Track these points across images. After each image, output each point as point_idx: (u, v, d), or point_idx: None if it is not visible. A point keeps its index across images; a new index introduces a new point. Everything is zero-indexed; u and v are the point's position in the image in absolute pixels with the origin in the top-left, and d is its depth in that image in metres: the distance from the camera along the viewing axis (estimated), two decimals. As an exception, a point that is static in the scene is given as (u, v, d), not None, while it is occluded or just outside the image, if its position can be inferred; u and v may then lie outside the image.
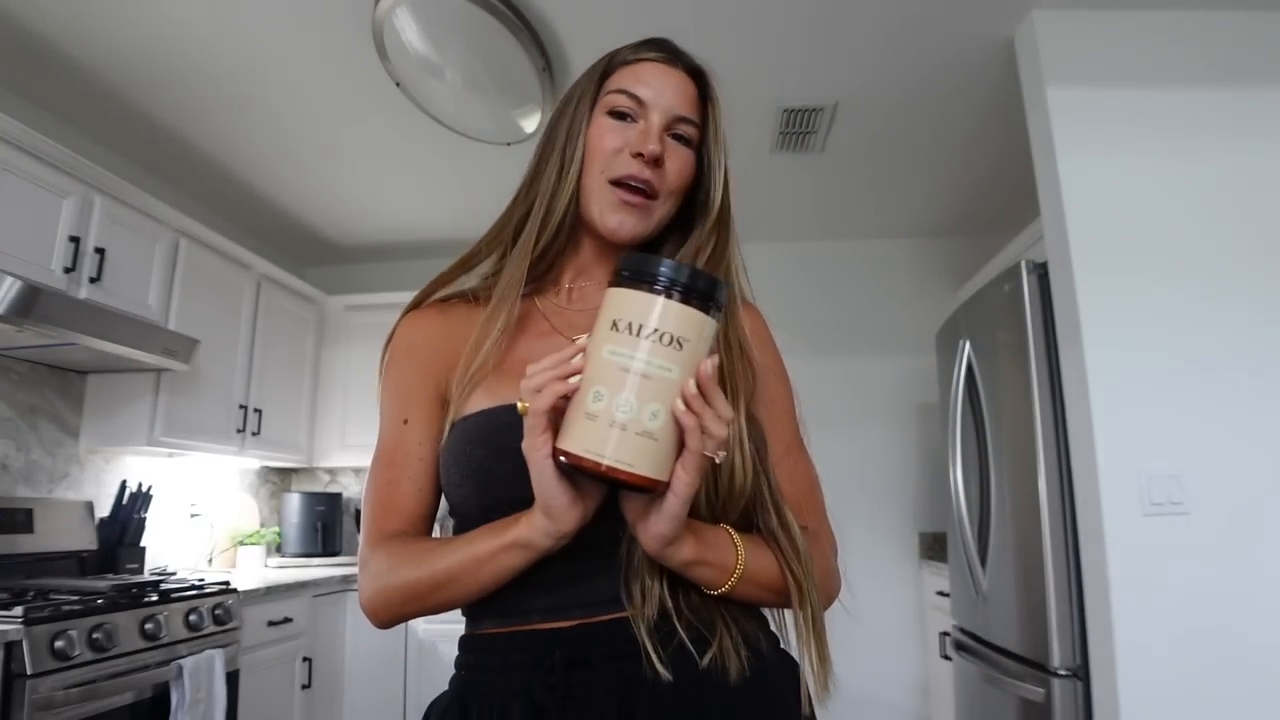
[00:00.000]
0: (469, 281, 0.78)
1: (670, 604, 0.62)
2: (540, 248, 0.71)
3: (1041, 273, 2.01)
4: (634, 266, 0.51)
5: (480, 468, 0.64)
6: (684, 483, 0.52)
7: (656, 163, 0.69)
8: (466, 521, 0.67)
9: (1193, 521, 1.71)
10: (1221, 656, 1.66)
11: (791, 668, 0.68)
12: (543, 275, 0.75)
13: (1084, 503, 1.82)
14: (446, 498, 0.71)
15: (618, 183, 0.69)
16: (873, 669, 3.24)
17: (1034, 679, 1.91)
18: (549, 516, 0.56)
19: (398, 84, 2.27)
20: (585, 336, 0.53)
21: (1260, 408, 1.76)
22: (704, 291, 0.50)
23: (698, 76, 0.74)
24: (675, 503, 0.53)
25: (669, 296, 0.49)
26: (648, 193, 0.70)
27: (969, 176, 3.02)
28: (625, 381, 0.49)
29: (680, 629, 0.61)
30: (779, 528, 0.65)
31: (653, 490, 0.52)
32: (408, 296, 0.79)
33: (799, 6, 2.02)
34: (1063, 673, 1.83)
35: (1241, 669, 1.66)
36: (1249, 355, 1.79)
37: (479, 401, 0.68)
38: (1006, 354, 2.12)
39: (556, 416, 0.52)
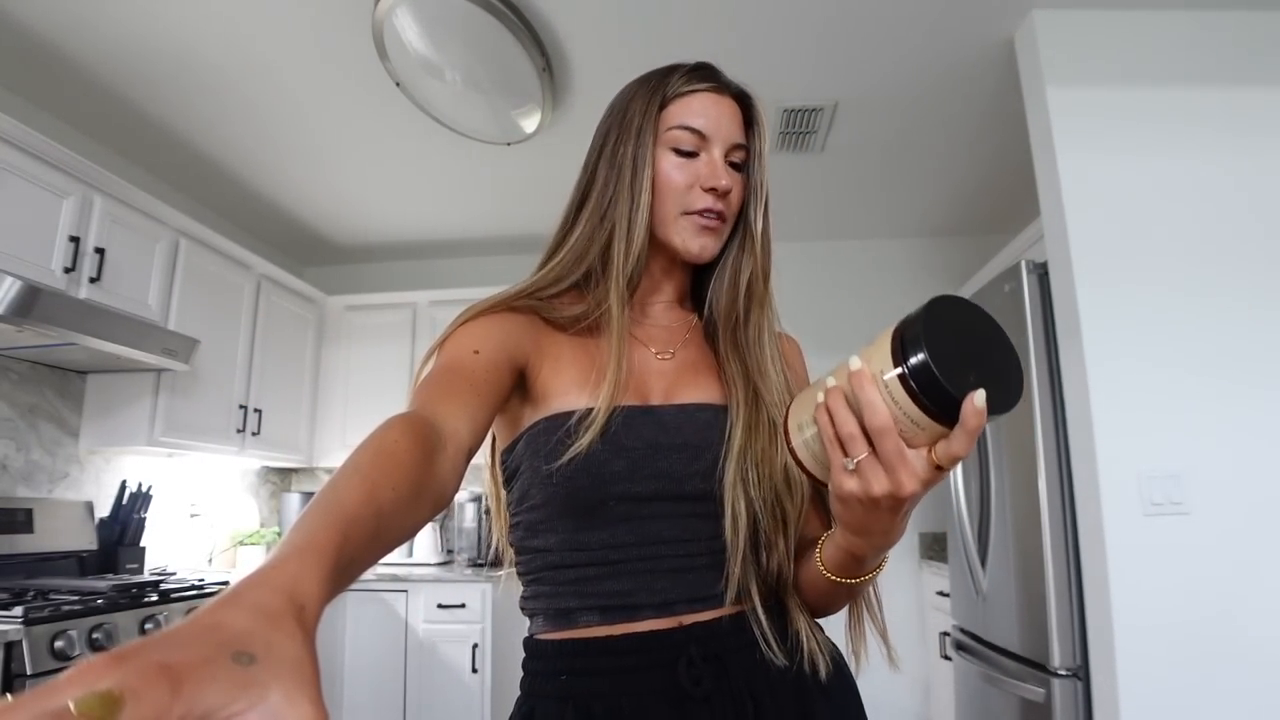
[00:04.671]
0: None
1: (789, 602, 0.70)
2: (630, 271, 0.75)
3: (1041, 273, 2.01)
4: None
5: (596, 461, 0.66)
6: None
7: (726, 194, 0.75)
8: (566, 510, 0.67)
9: (1193, 521, 1.71)
10: (1222, 656, 1.66)
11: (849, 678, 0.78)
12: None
13: (1084, 503, 1.82)
14: (536, 489, 0.68)
15: (694, 213, 0.75)
16: (873, 669, 3.24)
17: (1034, 679, 1.91)
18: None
19: (398, 84, 2.27)
20: None
21: (1261, 407, 1.76)
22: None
23: (743, 100, 0.78)
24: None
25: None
26: (721, 218, 0.76)
27: (969, 176, 3.02)
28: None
29: (795, 625, 0.70)
30: None
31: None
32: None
33: (799, 7, 2.02)
34: (1063, 673, 1.83)
35: (1241, 669, 1.66)
36: (1249, 355, 1.79)
37: (576, 400, 0.69)
38: (1006, 354, 2.12)
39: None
